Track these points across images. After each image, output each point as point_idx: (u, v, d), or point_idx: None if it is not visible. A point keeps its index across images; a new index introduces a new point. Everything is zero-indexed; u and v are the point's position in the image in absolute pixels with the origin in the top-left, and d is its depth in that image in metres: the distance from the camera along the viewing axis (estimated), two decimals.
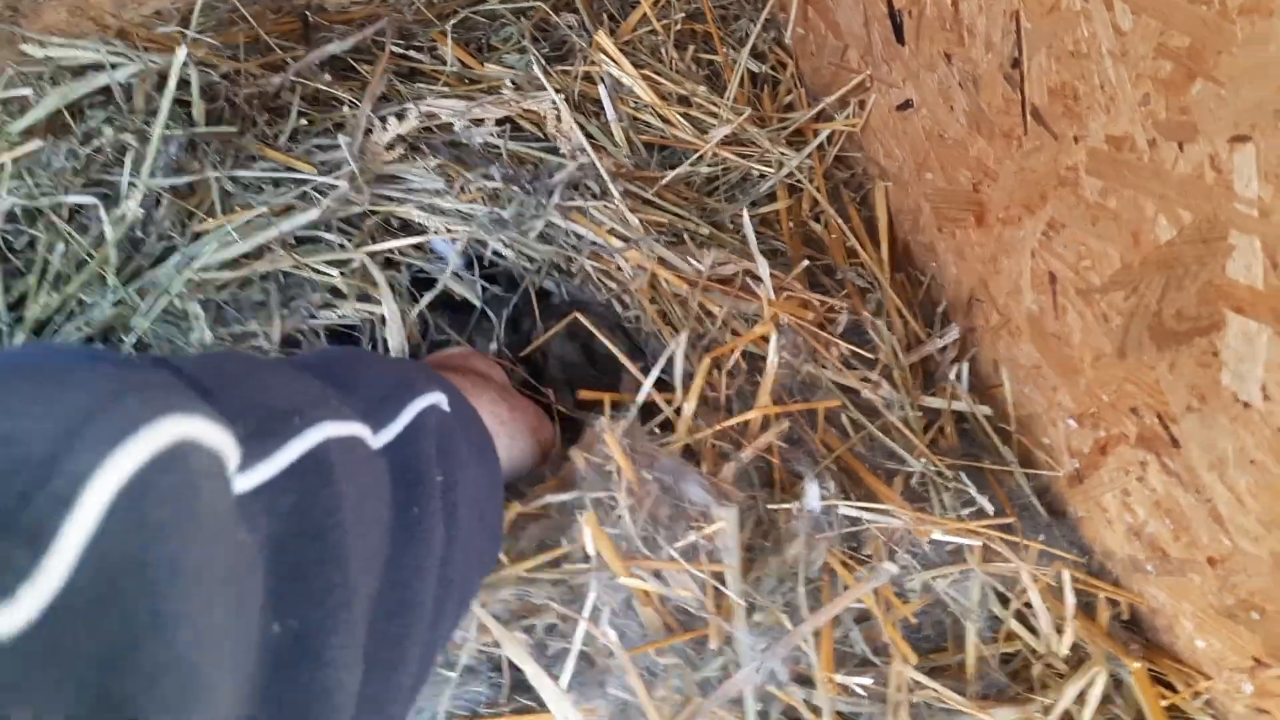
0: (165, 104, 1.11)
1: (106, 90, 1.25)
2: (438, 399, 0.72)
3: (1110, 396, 1.00)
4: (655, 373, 1.06)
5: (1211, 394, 0.86)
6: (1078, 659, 1.03)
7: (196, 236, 1.13)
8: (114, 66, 1.24)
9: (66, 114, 1.24)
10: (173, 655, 0.36)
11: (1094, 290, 0.99)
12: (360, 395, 0.65)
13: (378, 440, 0.63)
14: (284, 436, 0.52)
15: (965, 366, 1.21)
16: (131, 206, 1.06)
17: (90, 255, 1.09)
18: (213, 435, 0.43)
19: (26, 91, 1.23)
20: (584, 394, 1.14)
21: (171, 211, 1.12)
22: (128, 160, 1.15)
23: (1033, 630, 1.04)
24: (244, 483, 0.48)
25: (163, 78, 1.25)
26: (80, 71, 1.29)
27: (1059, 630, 1.03)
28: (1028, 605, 1.04)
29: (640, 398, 1.04)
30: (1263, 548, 0.87)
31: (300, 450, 0.52)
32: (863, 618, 1.01)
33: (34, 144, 1.14)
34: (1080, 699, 0.98)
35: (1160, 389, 0.93)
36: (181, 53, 1.12)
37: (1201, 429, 0.89)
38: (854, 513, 1.01)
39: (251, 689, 0.44)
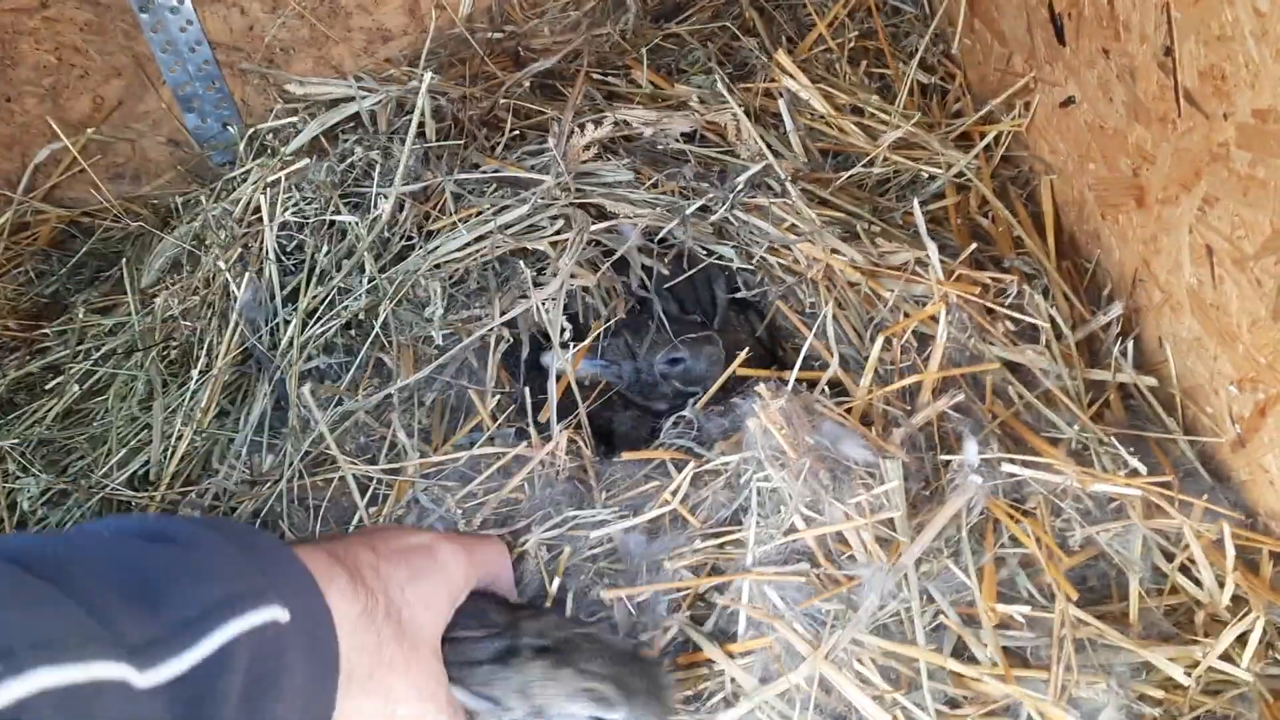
0: (414, 122, 1.33)
1: (355, 117, 1.49)
2: (269, 616, 0.67)
3: (1267, 358, 1.06)
4: (810, 337, 1.19)
5: None
6: (1241, 611, 1.08)
7: (431, 234, 1.33)
8: (361, 98, 1.48)
9: (323, 139, 1.48)
10: None
11: (1247, 258, 1.05)
12: (153, 617, 0.60)
13: (153, 675, 0.58)
14: None
15: (1130, 343, 1.27)
16: (386, 209, 1.27)
17: (349, 254, 1.31)
18: None
19: (294, 120, 1.47)
20: (747, 371, 1.28)
21: (412, 214, 1.33)
22: (375, 173, 1.37)
23: (1196, 582, 1.10)
24: None
25: (401, 105, 1.48)
26: (333, 104, 1.53)
27: (1221, 584, 1.09)
28: (1191, 560, 1.10)
29: (798, 364, 1.17)
30: None
31: None
32: (1028, 563, 1.09)
33: (302, 162, 1.37)
34: (1241, 641, 1.03)
35: None
36: (427, 78, 1.33)
37: None
38: (1016, 468, 1.10)
39: None
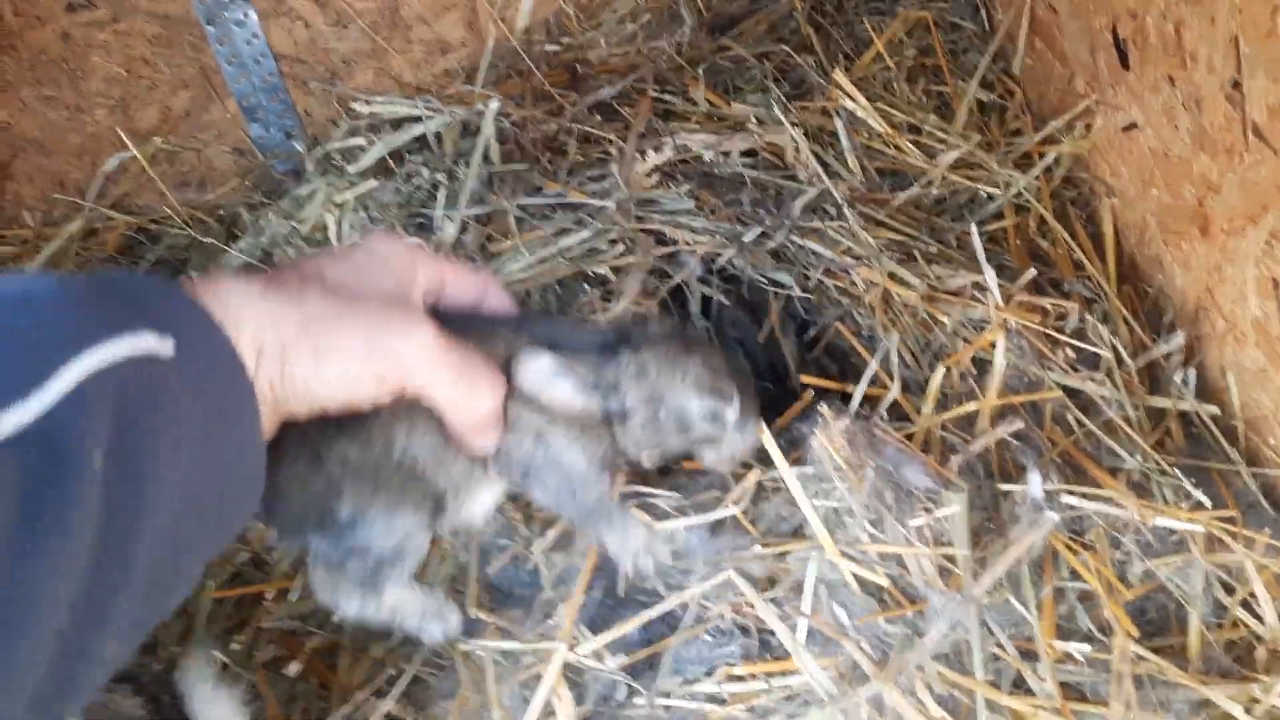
0: (479, 149, 1.35)
1: (421, 138, 1.51)
2: (138, 347, 0.60)
3: None
4: (874, 365, 1.20)
5: None
6: None
7: (494, 256, 1.35)
8: (427, 119, 1.50)
9: (388, 158, 1.50)
10: None
11: None
12: None
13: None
14: None
15: (1192, 371, 1.27)
16: (450, 232, 1.29)
17: None
18: None
19: (360, 141, 1.50)
20: (811, 380, 1.28)
21: (475, 236, 1.35)
22: (440, 195, 1.39)
23: (1258, 618, 1.09)
24: None
25: (466, 127, 1.50)
26: (398, 123, 1.56)
27: None
28: (1253, 595, 1.10)
29: (860, 390, 1.18)
30: None
31: None
32: (1086, 597, 1.10)
33: (370, 183, 1.40)
34: None
35: None
36: (494, 105, 1.35)
37: None
38: (1076, 501, 1.10)
39: None
